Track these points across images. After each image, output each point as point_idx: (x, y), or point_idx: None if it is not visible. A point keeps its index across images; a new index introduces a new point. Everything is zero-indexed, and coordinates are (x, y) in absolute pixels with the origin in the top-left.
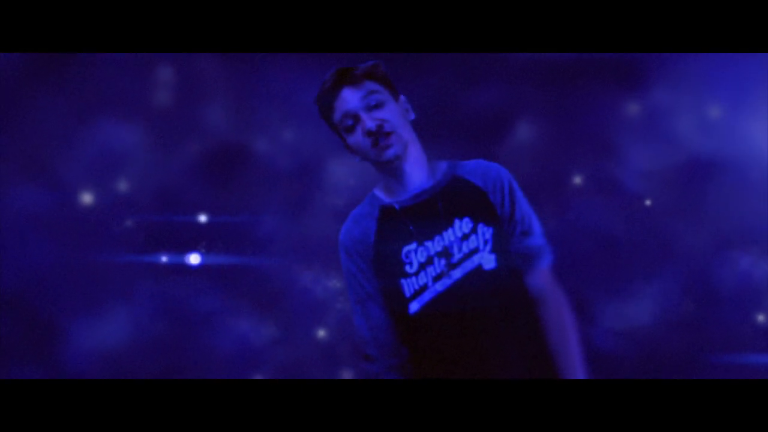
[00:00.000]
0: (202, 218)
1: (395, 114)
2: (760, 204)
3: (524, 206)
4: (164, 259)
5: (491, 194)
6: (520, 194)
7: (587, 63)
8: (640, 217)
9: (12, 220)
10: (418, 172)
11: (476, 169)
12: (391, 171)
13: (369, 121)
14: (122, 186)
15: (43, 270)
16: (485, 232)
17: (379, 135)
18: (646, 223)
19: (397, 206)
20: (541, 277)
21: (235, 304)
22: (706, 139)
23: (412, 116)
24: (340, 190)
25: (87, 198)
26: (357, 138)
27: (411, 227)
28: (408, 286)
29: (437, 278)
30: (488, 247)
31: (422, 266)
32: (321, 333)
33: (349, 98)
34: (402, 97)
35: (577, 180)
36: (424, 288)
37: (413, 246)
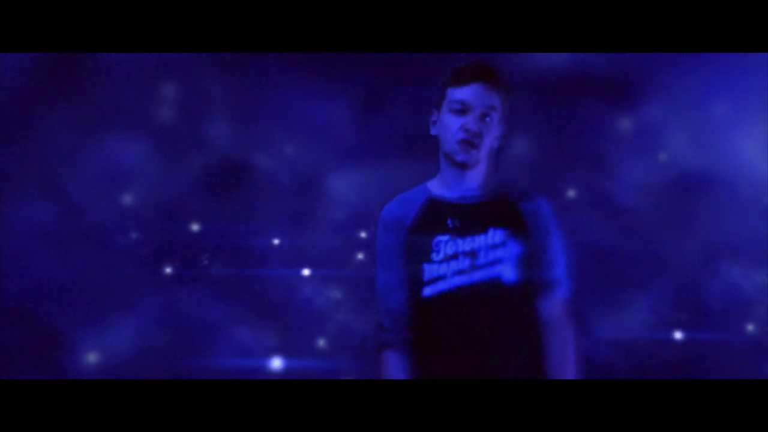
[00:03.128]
0: (206, 230)
1: (491, 137)
2: (749, 217)
3: (556, 240)
4: (168, 270)
5: (529, 219)
6: (556, 228)
7: (580, 80)
8: (633, 229)
9: (18, 233)
10: (476, 180)
11: (524, 193)
12: (454, 168)
13: (473, 125)
14: (127, 199)
15: (49, 282)
16: (514, 248)
17: (468, 141)
18: (637, 236)
19: (444, 200)
20: (555, 306)
21: (237, 315)
22: (696, 154)
23: (496, 145)
24: (339, 204)
25: (92, 211)
26: (452, 123)
27: (449, 221)
28: (428, 271)
29: (457, 273)
30: (512, 262)
31: (447, 258)
32: (321, 342)
33: (478, 94)
34: (503, 126)
35: (571, 193)
36: (441, 277)
37: (445, 238)
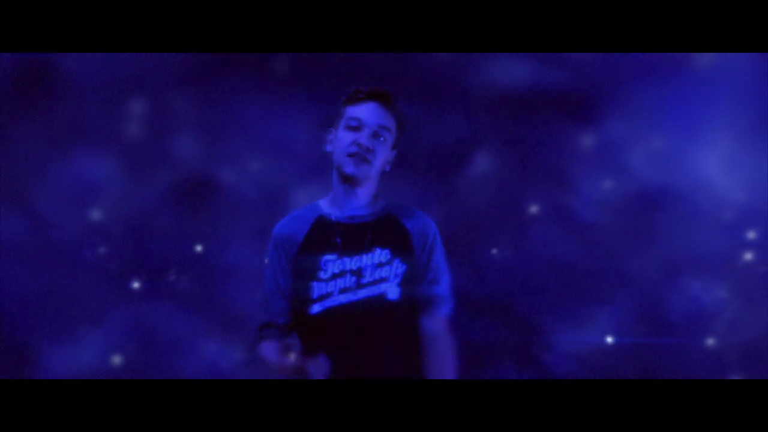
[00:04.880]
0: (173, 245)
1: (382, 157)
2: (709, 231)
3: (440, 258)
4: (136, 285)
5: (414, 239)
6: (439, 247)
7: (543, 97)
8: (594, 244)
9: None
10: (364, 198)
11: (409, 213)
12: (344, 186)
13: (365, 140)
14: (95, 214)
15: (18, 295)
16: (399, 267)
17: (360, 155)
18: (599, 251)
19: (333, 218)
20: (437, 323)
21: (204, 329)
22: (656, 169)
23: (388, 169)
24: None
25: (61, 225)
26: (346, 137)
27: (338, 240)
28: (317, 289)
29: (343, 291)
30: (397, 281)
31: (334, 276)
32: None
33: (372, 113)
34: (395, 152)
35: (533, 209)
36: (329, 295)
37: (333, 257)
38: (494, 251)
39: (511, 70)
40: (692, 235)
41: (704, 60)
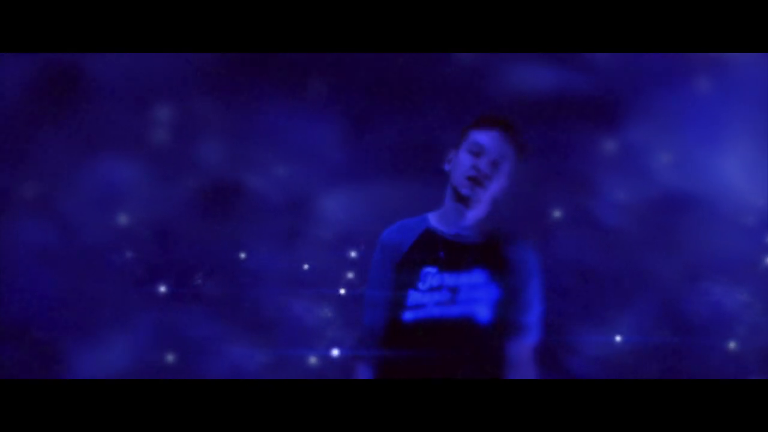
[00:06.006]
0: (199, 249)
1: (499, 185)
2: (730, 236)
3: (536, 289)
4: (162, 289)
5: (514, 267)
6: (537, 278)
7: (565, 101)
8: (617, 249)
9: (16, 253)
10: (472, 220)
11: (514, 241)
12: (456, 205)
13: (484, 166)
14: (122, 218)
15: (45, 300)
16: (494, 292)
17: (476, 181)
18: (621, 254)
19: (439, 233)
20: (522, 351)
21: (230, 333)
22: (678, 173)
23: (500, 197)
24: (329, 223)
25: (88, 230)
26: (466, 160)
27: (441, 255)
28: (412, 298)
29: (437, 305)
30: (489, 304)
31: (431, 289)
32: (312, 360)
33: (495, 140)
34: (510, 181)
35: (557, 214)
36: (423, 306)
37: (434, 270)
38: None
39: (533, 75)
40: (714, 239)
41: (727, 63)
